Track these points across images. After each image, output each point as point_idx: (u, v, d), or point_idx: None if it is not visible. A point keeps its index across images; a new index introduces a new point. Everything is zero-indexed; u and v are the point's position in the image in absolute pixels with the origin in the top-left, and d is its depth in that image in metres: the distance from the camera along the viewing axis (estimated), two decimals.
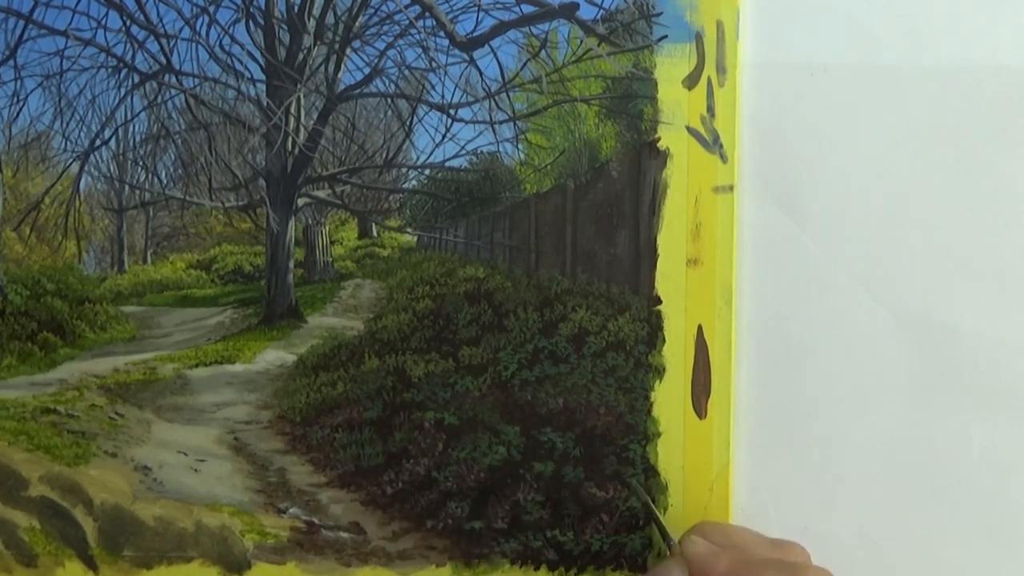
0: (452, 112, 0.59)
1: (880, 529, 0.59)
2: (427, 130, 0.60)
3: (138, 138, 0.61)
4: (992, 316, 0.57)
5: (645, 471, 0.59)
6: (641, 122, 0.58)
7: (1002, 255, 0.57)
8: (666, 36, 0.57)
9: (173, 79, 0.60)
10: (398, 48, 0.59)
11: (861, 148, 0.57)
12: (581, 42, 0.58)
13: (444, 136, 0.59)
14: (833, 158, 0.58)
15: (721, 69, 0.57)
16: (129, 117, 0.60)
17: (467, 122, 0.59)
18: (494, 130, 0.59)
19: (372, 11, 0.59)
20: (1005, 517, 0.58)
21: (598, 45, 0.58)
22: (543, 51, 0.58)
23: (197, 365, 0.63)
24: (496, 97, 0.59)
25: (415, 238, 0.63)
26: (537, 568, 0.59)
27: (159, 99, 0.60)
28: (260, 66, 0.60)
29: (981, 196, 0.57)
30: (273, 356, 0.63)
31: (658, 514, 0.57)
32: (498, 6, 0.58)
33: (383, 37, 0.59)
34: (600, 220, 0.59)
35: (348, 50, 0.60)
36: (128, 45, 0.59)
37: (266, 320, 0.63)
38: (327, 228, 0.64)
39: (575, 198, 0.60)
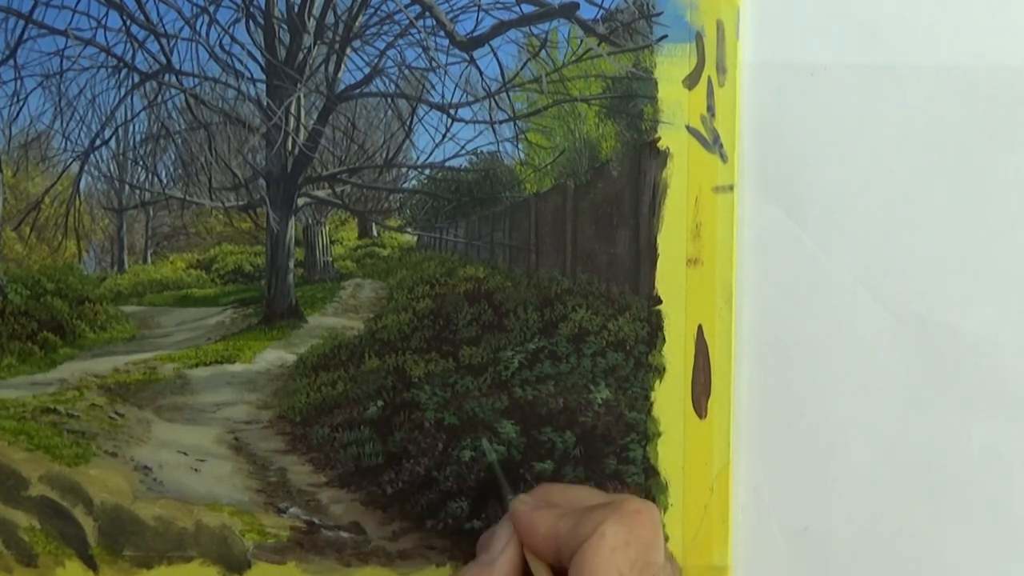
0: (452, 112, 0.59)
1: (880, 529, 0.59)
2: (427, 130, 0.60)
3: (138, 138, 0.61)
4: (992, 316, 0.57)
5: (645, 471, 0.59)
6: (641, 122, 0.58)
7: (1002, 255, 0.57)
8: (666, 36, 0.57)
9: (173, 79, 0.60)
10: (398, 48, 0.59)
11: (861, 148, 0.57)
12: (581, 42, 0.58)
13: (444, 136, 0.59)
14: (833, 158, 0.58)
15: (721, 69, 0.57)
16: (129, 117, 0.60)
17: (467, 122, 0.59)
18: (494, 130, 0.59)
19: (372, 11, 0.59)
20: (1005, 517, 0.58)
21: (598, 45, 0.58)
22: (543, 51, 0.58)
23: (197, 365, 0.63)
24: (496, 97, 0.59)
25: (415, 238, 0.63)
26: None
27: (159, 99, 0.60)
28: (260, 66, 0.60)
29: (981, 196, 0.57)
30: (273, 356, 0.63)
31: (499, 471, 0.56)
32: (498, 6, 0.58)
33: (383, 37, 0.59)
34: (600, 220, 0.59)
35: (348, 50, 0.60)
36: (128, 45, 0.59)
37: (266, 320, 0.63)
38: (327, 228, 0.64)
39: (575, 198, 0.60)
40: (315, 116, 0.60)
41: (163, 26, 0.59)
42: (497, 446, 0.59)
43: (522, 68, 0.58)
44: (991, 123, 0.57)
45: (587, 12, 0.58)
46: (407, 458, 0.60)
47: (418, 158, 0.60)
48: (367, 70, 0.60)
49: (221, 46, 0.59)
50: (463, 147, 0.59)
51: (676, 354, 0.58)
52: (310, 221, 0.63)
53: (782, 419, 0.59)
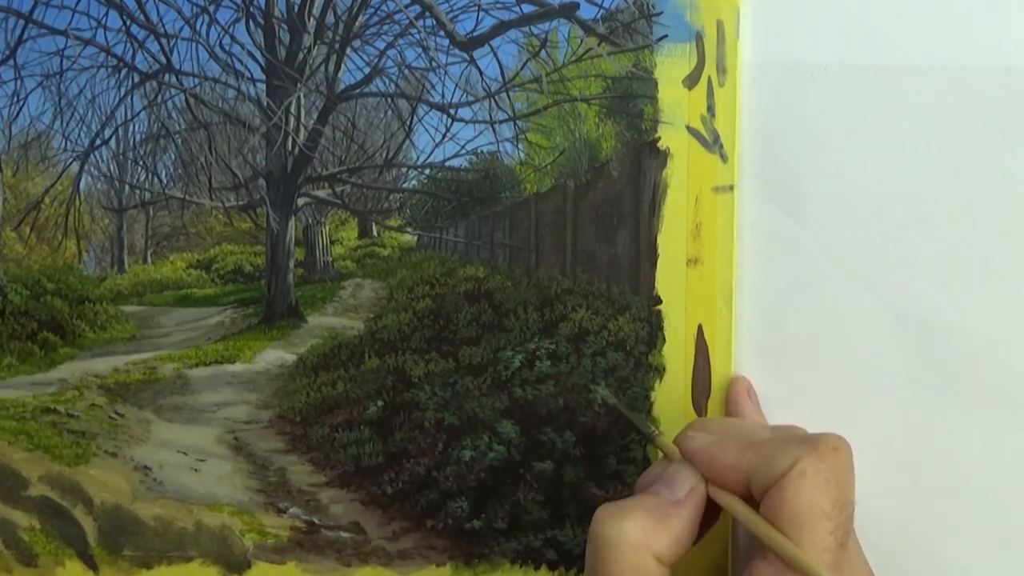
0: (452, 112, 0.59)
1: (880, 529, 0.59)
2: (427, 130, 0.60)
3: (138, 138, 0.61)
4: (992, 316, 0.57)
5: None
6: (641, 122, 0.58)
7: (1002, 255, 0.57)
8: (666, 36, 0.57)
9: (173, 79, 0.60)
10: (398, 48, 0.59)
11: (861, 148, 0.57)
12: (581, 42, 0.58)
13: (444, 136, 0.59)
14: (833, 158, 0.58)
15: (721, 69, 0.57)
16: (129, 117, 0.60)
17: (467, 122, 0.59)
18: (494, 130, 0.59)
19: (372, 11, 0.59)
20: (1005, 517, 0.58)
21: (598, 45, 0.58)
22: (543, 51, 0.58)
23: (197, 365, 0.63)
24: (496, 97, 0.59)
25: (415, 238, 0.63)
26: (537, 568, 0.59)
27: (159, 99, 0.60)
28: (260, 66, 0.60)
29: (981, 196, 0.57)
30: (273, 356, 0.63)
31: (626, 410, 0.55)
32: (498, 6, 0.58)
33: (383, 37, 0.59)
34: (600, 220, 0.59)
35: (348, 50, 0.60)
36: (128, 45, 0.59)
37: (266, 320, 0.63)
38: (327, 228, 0.64)
39: (575, 198, 0.60)
40: (315, 116, 0.60)
41: (163, 26, 0.59)
42: (498, 450, 0.59)
43: (522, 68, 0.58)
44: (991, 123, 0.57)
45: (587, 12, 0.58)
46: (407, 458, 0.60)
47: (418, 158, 0.60)
48: (367, 70, 0.60)
49: (221, 46, 0.59)
50: (463, 147, 0.59)
51: (676, 354, 0.58)
52: (310, 221, 0.63)
53: (782, 419, 0.59)
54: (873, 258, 0.58)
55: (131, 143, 0.61)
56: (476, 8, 0.58)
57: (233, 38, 0.59)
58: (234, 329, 0.63)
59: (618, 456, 0.59)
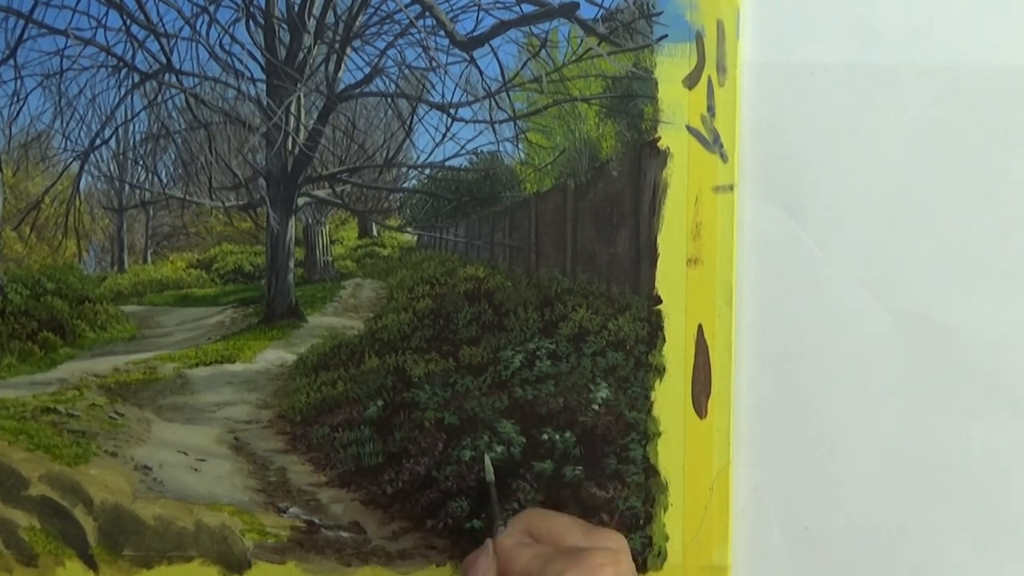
0: (452, 111, 0.59)
1: (880, 529, 0.59)
2: (427, 129, 0.60)
3: (138, 137, 0.61)
4: (992, 316, 0.57)
5: (645, 471, 0.59)
6: (641, 121, 0.58)
7: (1002, 255, 0.57)
8: (666, 35, 0.57)
9: (173, 78, 0.60)
10: (398, 47, 0.59)
11: (861, 148, 0.57)
12: (581, 41, 0.58)
13: (444, 135, 0.59)
14: (833, 158, 0.58)
15: (721, 68, 0.57)
16: (129, 116, 0.60)
17: (467, 121, 0.59)
18: (494, 129, 0.59)
19: (372, 10, 0.59)
20: (1005, 517, 0.58)
21: (598, 44, 0.58)
22: (543, 50, 0.58)
23: (197, 364, 0.63)
24: (496, 96, 0.59)
25: (415, 237, 0.63)
26: None
27: (159, 98, 0.60)
28: (260, 65, 0.60)
29: (981, 196, 0.57)
30: (273, 355, 0.63)
31: (494, 493, 0.56)
32: (498, 5, 0.58)
33: (383, 36, 0.59)
34: (600, 220, 0.59)
35: (348, 49, 0.60)
36: (128, 44, 0.59)
37: (266, 319, 0.63)
38: (327, 227, 0.64)
39: (575, 198, 0.60)
40: (315, 116, 0.60)
41: (163, 26, 0.59)
42: (498, 450, 0.59)
43: (522, 68, 0.58)
44: (991, 123, 0.57)
45: (587, 12, 0.58)
46: (407, 458, 0.60)
47: (418, 158, 0.60)
48: (367, 70, 0.60)
49: (221, 46, 0.59)
50: (463, 147, 0.59)
51: (676, 354, 0.58)
52: (310, 221, 0.63)
53: (782, 419, 0.59)
54: (873, 258, 0.58)
55: (131, 143, 0.61)
56: (476, 8, 0.58)
57: (233, 38, 0.59)
58: (234, 329, 0.63)
59: (618, 456, 0.59)
